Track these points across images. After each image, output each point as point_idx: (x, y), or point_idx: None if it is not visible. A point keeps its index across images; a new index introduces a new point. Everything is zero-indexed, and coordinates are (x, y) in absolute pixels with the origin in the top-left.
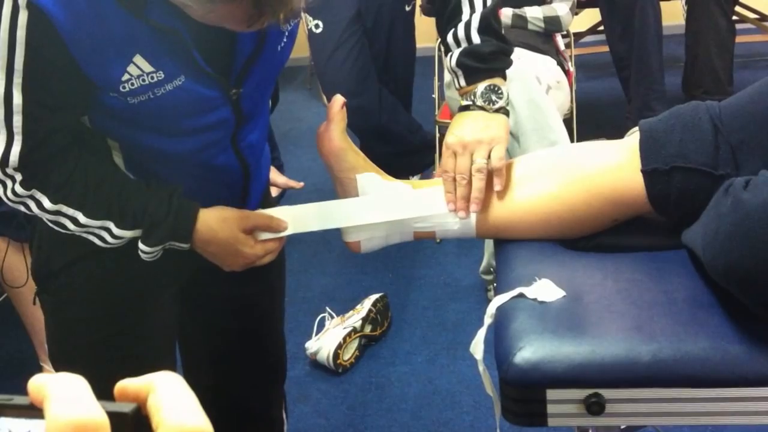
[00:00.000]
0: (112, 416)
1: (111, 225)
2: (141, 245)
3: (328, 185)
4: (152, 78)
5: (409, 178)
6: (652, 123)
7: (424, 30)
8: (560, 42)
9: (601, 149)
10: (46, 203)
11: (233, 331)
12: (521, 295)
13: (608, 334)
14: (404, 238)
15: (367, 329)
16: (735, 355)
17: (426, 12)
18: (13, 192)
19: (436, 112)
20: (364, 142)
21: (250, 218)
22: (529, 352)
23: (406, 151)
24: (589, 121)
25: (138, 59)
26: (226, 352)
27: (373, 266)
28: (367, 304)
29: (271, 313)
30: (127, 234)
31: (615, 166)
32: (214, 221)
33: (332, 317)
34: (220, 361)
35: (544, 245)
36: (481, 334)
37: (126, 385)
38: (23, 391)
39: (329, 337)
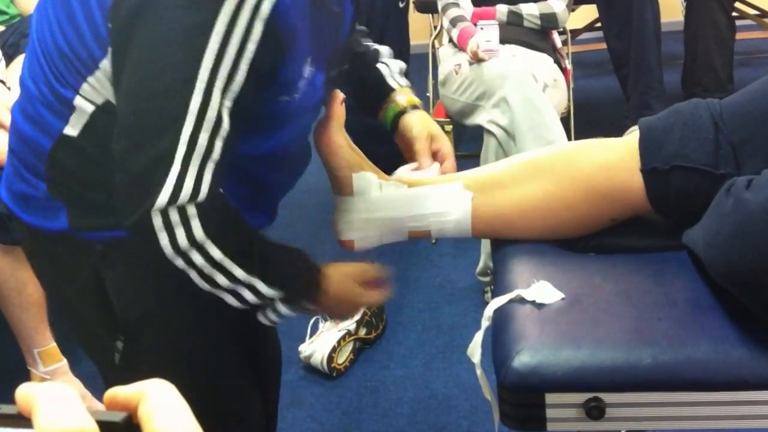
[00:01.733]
0: (103, 425)
1: (259, 283)
2: (281, 307)
3: (322, 184)
4: (311, 74)
5: None
6: (651, 121)
7: (418, 27)
8: (557, 39)
9: (599, 148)
10: (216, 254)
11: None
12: (519, 298)
13: (608, 337)
14: (399, 237)
15: (362, 332)
16: (737, 358)
17: (420, 8)
18: (189, 238)
19: (431, 111)
20: (357, 141)
21: (367, 271)
22: (527, 355)
23: (400, 151)
24: (587, 120)
25: (309, 59)
26: None
27: None
28: None
29: None
30: (270, 294)
31: (614, 165)
32: (336, 280)
33: (326, 320)
34: None
35: (542, 246)
36: (479, 337)
37: (116, 393)
38: (10, 398)
39: (323, 341)
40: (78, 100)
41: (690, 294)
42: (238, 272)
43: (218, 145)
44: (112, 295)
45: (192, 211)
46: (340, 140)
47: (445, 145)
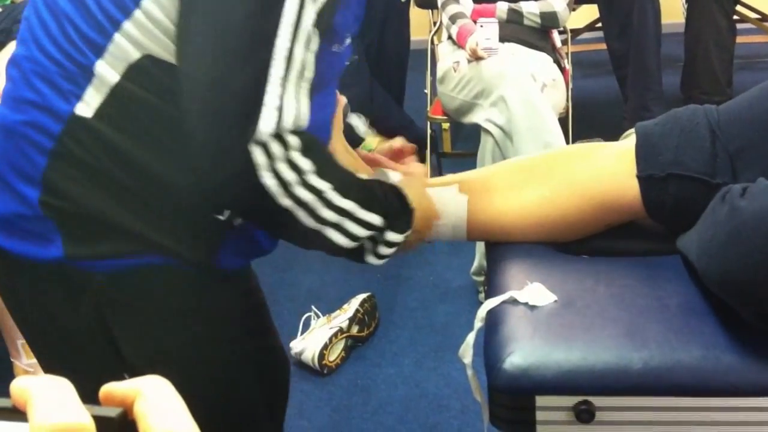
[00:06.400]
0: (98, 420)
1: (364, 213)
2: (391, 236)
3: None
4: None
5: None
6: (648, 127)
7: (418, 23)
8: (557, 38)
9: (596, 153)
10: (323, 185)
11: None
12: (512, 299)
13: (599, 340)
14: None
15: (354, 330)
16: (728, 364)
17: (420, 3)
18: (304, 184)
19: (428, 108)
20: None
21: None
22: (518, 357)
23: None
24: (585, 121)
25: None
26: None
27: (360, 265)
28: (355, 304)
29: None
30: (376, 222)
31: (610, 171)
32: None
33: (318, 317)
34: None
35: (536, 248)
36: (471, 338)
37: (112, 389)
38: None
39: (315, 337)
40: (100, 67)
41: (682, 299)
42: (345, 203)
43: (311, 61)
44: (116, 333)
45: (295, 141)
46: (337, 144)
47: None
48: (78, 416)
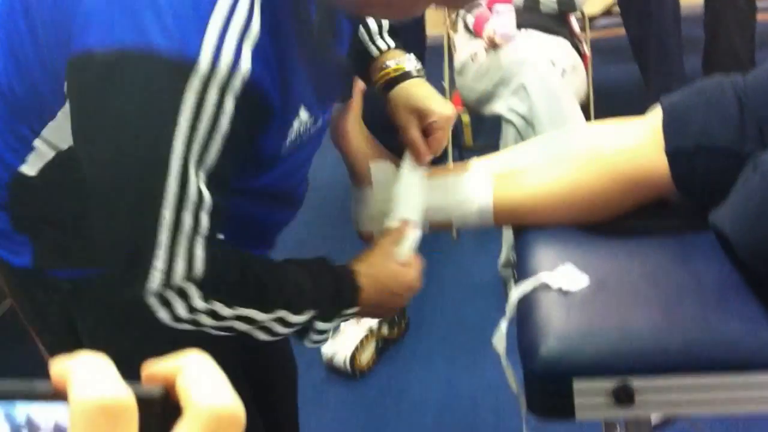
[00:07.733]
0: (140, 397)
1: (286, 314)
2: (319, 324)
3: (340, 178)
4: (307, 125)
5: None
6: (674, 100)
7: (432, 18)
8: (574, 24)
9: (621, 129)
10: (225, 311)
11: None
12: (544, 285)
13: (635, 320)
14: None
15: (384, 330)
16: (767, 338)
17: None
18: (190, 308)
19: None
20: (372, 133)
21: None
22: (554, 341)
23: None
24: (607, 107)
25: (302, 109)
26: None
27: None
28: None
29: None
30: (301, 320)
31: (636, 147)
32: (366, 269)
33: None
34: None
35: (566, 230)
36: (504, 325)
37: (153, 368)
38: None
39: (345, 340)
40: (38, 142)
41: (718, 274)
42: (258, 315)
43: (204, 219)
44: (82, 335)
45: (188, 286)
46: (356, 130)
47: (436, 114)
48: (119, 392)
